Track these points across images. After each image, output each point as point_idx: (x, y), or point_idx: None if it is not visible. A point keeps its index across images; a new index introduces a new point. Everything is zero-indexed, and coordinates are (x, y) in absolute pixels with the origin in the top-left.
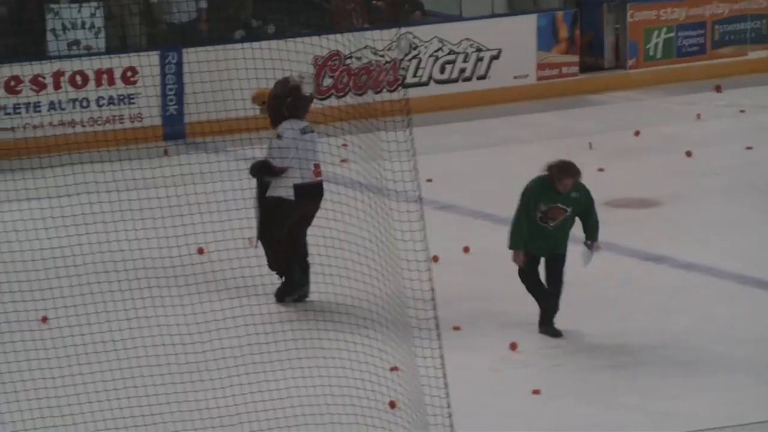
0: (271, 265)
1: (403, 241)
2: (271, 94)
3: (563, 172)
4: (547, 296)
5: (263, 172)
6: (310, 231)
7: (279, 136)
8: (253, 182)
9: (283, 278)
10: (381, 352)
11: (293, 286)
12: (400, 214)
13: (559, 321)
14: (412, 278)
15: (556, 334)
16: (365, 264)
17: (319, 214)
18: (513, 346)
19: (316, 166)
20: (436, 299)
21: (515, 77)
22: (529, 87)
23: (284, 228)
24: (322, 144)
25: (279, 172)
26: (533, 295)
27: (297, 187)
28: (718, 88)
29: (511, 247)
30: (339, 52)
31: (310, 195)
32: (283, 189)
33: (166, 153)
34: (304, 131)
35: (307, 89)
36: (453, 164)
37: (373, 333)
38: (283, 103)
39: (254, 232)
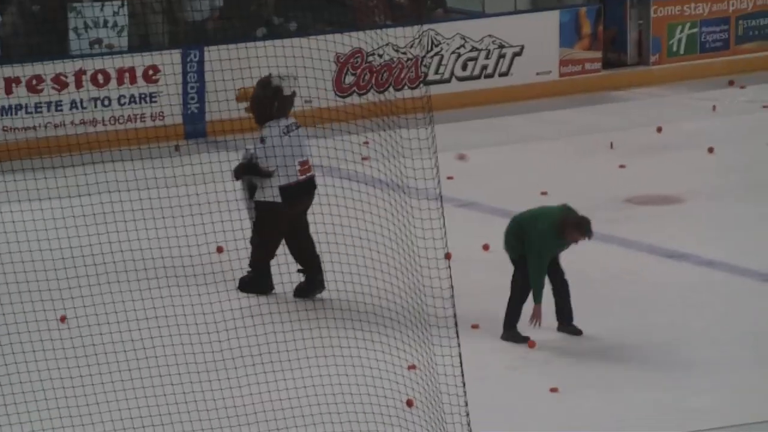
0: (253, 261)
1: (423, 238)
2: (253, 95)
3: (578, 230)
4: (560, 297)
5: (249, 173)
6: (329, 229)
7: (262, 140)
8: (238, 184)
9: (253, 274)
10: (399, 351)
11: (256, 287)
12: (421, 212)
13: (580, 318)
14: (431, 276)
15: (576, 332)
16: (384, 262)
17: (338, 211)
18: (531, 345)
19: (303, 163)
20: (455, 297)
21: (537, 74)
22: (552, 83)
23: (276, 231)
24: (343, 141)
25: (266, 174)
26: (515, 300)
27: (283, 189)
28: (730, 83)
29: (537, 301)
30: (361, 50)
31: (298, 194)
32: (270, 191)
33: (177, 149)
34: (288, 130)
35: (288, 89)
36: (474, 161)
37: (391, 331)
38: (266, 103)
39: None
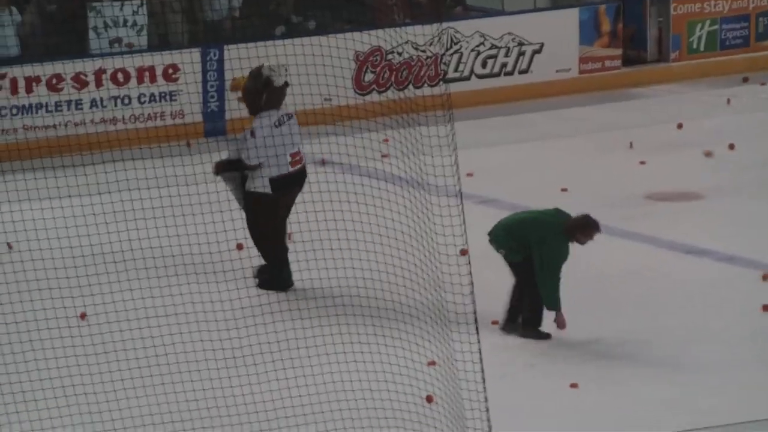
0: (264, 256)
1: (443, 235)
2: (245, 87)
3: (588, 230)
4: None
5: (232, 169)
6: (349, 226)
7: (252, 134)
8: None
9: (271, 267)
10: (418, 347)
11: (275, 284)
12: (440, 209)
13: (599, 315)
14: (451, 272)
15: (545, 336)
16: (404, 258)
17: (358, 208)
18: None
19: (294, 154)
20: (475, 294)
21: (557, 71)
22: (571, 81)
23: (271, 220)
24: (363, 139)
25: (251, 168)
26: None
27: (273, 180)
28: (745, 80)
29: (558, 308)
30: (380, 48)
31: (288, 185)
32: (259, 183)
33: (189, 145)
34: (279, 123)
35: (279, 80)
36: (494, 159)
37: (411, 327)
38: (256, 95)
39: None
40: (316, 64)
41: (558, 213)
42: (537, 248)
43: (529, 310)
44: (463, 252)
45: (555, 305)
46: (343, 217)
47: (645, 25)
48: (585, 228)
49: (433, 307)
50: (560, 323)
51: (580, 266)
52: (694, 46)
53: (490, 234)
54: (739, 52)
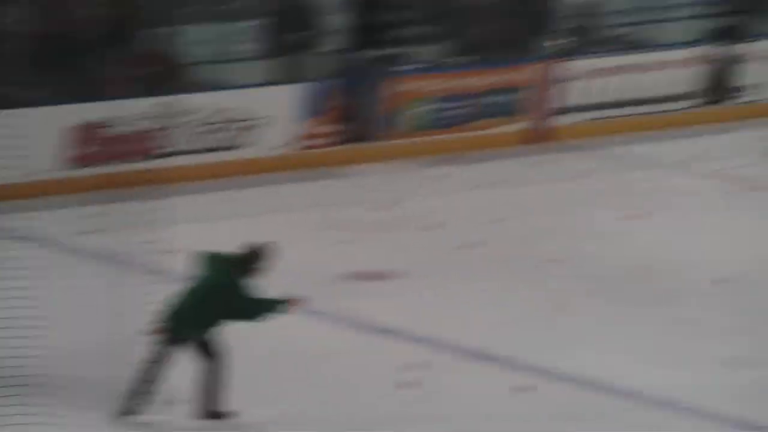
0: None
1: (136, 314)
2: None
3: (260, 260)
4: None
5: None
6: (34, 303)
7: None
8: None
9: None
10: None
11: None
12: (136, 287)
13: (285, 396)
14: (135, 352)
15: (223, 416)
16: (85, 338)
17: (50, 285)
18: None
19: None
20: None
21: (275, 147)
22: (289, 157)
23: None
24: (73, 213)
25: None
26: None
27: None
28: (457, 160)
29: (287, 307)
30: (102, 121)
31: None
32: None
33: None
34: None
35: None
36: (207, 235)
37: (78, 409)
38: None
39: None
40: (33, 137)
41: (215, 261)
42: (225, 304)
43: (205, 390)
44: (153, 332)
45: (282, 309)
46: (27, 294)
47: (366, 102)
48: (252, 259)
49: (109, 387)
50: (298, 303)
51: (272, 345)
52: (411, 124)
53: (168, 322)
54: (458, 131)
